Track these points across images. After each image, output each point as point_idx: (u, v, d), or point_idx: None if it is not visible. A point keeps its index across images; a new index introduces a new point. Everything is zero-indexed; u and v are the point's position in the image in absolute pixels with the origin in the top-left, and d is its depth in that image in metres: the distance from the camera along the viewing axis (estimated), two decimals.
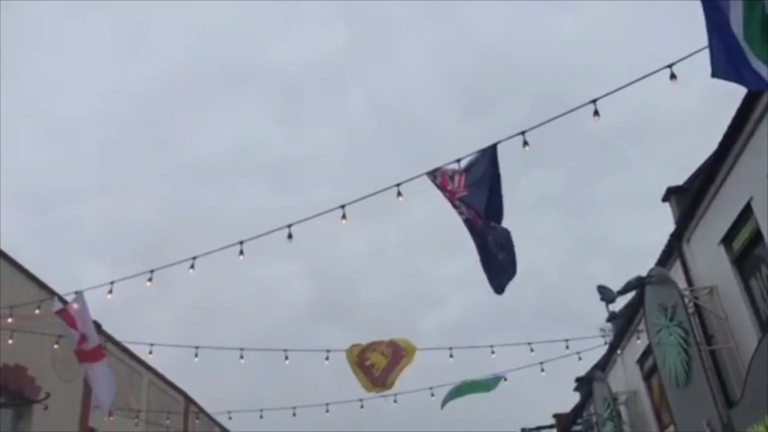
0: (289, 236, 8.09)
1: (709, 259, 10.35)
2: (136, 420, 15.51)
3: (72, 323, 9.55)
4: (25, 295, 11.12)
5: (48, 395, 10.57)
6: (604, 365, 16.61)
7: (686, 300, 10.53)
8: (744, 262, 9.67)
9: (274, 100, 63.24)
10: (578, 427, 19.60)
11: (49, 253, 42.50)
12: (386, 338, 12.40)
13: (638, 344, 13.76)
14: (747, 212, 9.07)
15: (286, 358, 11.74)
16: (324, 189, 51.63)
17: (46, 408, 10.94)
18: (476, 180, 7.03)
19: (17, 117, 52.01)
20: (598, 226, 59.32)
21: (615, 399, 14.97)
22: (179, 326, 43.39)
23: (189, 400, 19.46)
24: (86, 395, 13.89)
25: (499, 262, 7.25)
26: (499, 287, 7.50)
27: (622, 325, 14.69)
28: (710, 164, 9.99)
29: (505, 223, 7.22)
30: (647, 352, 13.14)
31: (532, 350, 12.53)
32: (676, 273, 11.25)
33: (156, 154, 56.82)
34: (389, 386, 12.11)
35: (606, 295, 12.05)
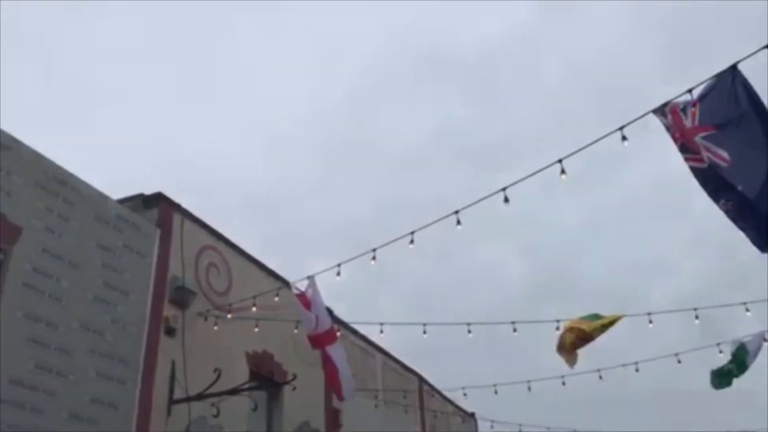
0: (506, 200, 7.86)
1: None
2: (376, 400, 16.12)
3: (308, 307, 10.03)
4: (265, 288, 11.94)
5: (295, 376, 11.23)
6: None
7: None
8: None
9: (468, 82, 62.86)
10: None
11: (284, 253, 46.05)
12: (612, 314, 11.59)
13: None
14: None
15: (515, 330, 11.41)
16: (528, 164, 50.22)
17: (294, 389, 11.65)
18: (723, 112, 5.72)
19: (241, 137, 57.22)
20: None
21: None
22: (404, 307, 44.76)
23: (421, 379, 19.87)
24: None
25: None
26: (765, 243, 5.96)
27: None
28: None
29: None
30: None
31: None
32: None
33: (362, 150, 59.19)
34: (570, 363, 11.13)
35: None
